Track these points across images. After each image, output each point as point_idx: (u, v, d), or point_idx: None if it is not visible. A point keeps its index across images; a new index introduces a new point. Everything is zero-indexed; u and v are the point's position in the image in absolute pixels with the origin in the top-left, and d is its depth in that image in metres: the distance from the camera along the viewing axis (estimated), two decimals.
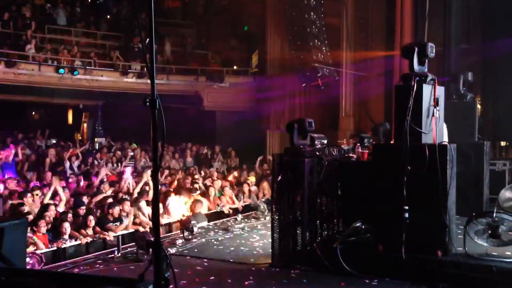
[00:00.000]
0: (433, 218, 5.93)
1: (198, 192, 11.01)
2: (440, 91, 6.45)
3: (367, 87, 15.71)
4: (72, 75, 16.77)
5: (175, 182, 12.05)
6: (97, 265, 7.08)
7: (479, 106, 10.97)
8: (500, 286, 5.44)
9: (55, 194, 9.22)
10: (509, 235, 5.94)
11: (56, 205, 8.61)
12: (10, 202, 8.78)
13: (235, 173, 13.99)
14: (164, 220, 9.45)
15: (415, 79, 6.15)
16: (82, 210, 8.71)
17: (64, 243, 7.58)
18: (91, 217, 8.32)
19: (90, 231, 8.19)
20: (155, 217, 2.92)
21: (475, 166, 8.84)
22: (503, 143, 13.80)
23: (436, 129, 6.20)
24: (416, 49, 6.37)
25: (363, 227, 6.51)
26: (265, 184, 12.43)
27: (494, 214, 5.98)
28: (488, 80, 13.77)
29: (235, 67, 20.26)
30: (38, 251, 7.04)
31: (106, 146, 16.82)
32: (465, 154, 8.42)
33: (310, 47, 15.80)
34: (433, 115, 6.23)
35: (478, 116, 9.92)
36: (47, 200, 8.87)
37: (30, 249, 6.96)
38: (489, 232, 5.92)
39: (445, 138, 7.15)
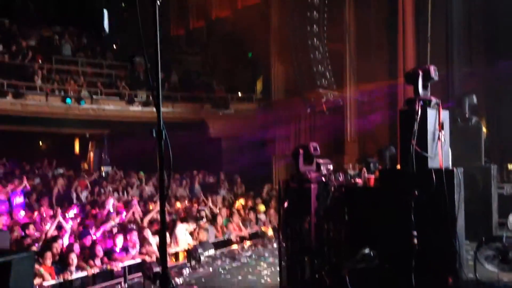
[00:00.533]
0: (442, 244, 5.85)
1: (205, 220, 10.97)
2: (445, 115, 6.44)
3: (372, 111, 15.76)
4: (78, 105, 16.95)
5: (182, 210, 12.02)
6: None
7: (484, 129, 10.95)
8: None
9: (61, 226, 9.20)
10: None
11: (59, 237, 8.58)
12: (15, 233, 8.77)
13: (242, 201, 13.92)
14: (170, 249, 9.40)
15: (419, 104, 6.16)
16: (88, 241, 8.67)
17: (71, 274, 7.53)
18: (98, 247, 8.29)
19: (97, 262, 8.15)
20: (162, 248, 2.91)
21: (483, 190, 8.76)
22: (510, 166, 13.72)
23: (442, 153, 6.18)
24: (420, 73, 6.39)
25: (372, 253, 6.43)
26: (272, 211, 12.37)
27: (504, 239, 5.90)
28: (492, 103, 13.77)
29: (240, 94, 20.40)
30: (45, 283, 7.00)
31: (112, 175, 16.86)
32: (472, 178, 8.36)
33: (314, 73, 15.92)
34: (438, 139, 6.22)
35: (484, 139, 9.88)
36: (51, 232, 8.82)
37: (37, 281, 6.93)
38: (500, 257, 5.84)
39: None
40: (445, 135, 6.31)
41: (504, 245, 5.83)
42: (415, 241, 5.85)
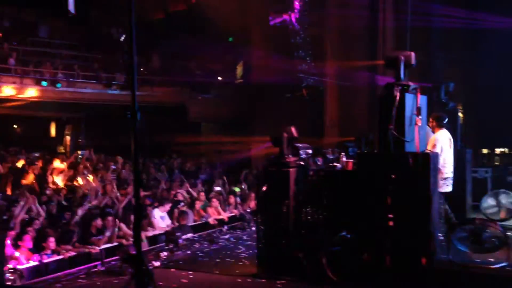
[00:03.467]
0: (417, 226, 5.96)
1: (183, 203, 10.95)
2: (422, 100, 6.51)
3: (351, 96, 15.85)
4: (54, 87, 16.65)
5: (160, 194, 11.97)
6: (80, 280, 6.96)
7: (460, 115, 11.10)
8: None
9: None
10: (492, 241, 6.00)
11: (36, 220, 8.46)
12: None
13: (219, 187, 13.85)
14: (149, 232, 9.37)
15: (397, 89, 6.20)
16: (65, 224, 8.58)
17: (47, 258, 7.46)
18: (74, 231, 8.21)
19: (74, 245, 8.08)
20: (136, 230, 2.89)
21: (458, 173, 8.89)
22: (485, 151, 14.03)
23: (419, 138, 6.26)
24: (399, 58, 6.43)
25: (349, 236, 6.51)
26: (252, 195, 12.41)
27: (477, 221, 6.04)
28: (469, 89, 13.98)
29: (220, 78, 20.27)
30: (19, 267, 6.91)
31: (89, 159, 16.64)
32: None
33: (294, 58, 15.91)
34: (415, 123, 6.29)
35: (460, 124, 10.03)
36: (21, 216, 8.61)
37: (12, 264, 6.84)
38: (472, 238, 5.97)
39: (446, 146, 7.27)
40: (422, 119, 6.38)
41: (477, 227, 5.96)
42: (391, 223, 5.94)
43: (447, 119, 7.68)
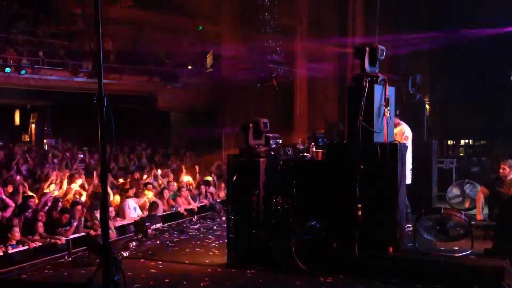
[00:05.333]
0: (384, 216, 6.06)
1: (152, 194, 10.86)
2: (391, 91, 6.59)
3: (321, 87, 15.97)
4: (18, 74, 16.17)
5: (130, 184, 11.83)
6: (46, 271, 6.83)
7: (427, 106, 11.32)
8: (448, 279, 5.62)
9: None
10: (456, 230, 6.16)
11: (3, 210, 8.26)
12: None
13: (190, 176, 13.79)
14: (118, 222, 9.27)
15: (366, 80, 6.26)
16: (30, 214, 8.39)
17: (11, 248, 7.28)
18: (40, 221, 8.04)
19: (39, 236, 7.92)
20: (103, 219, 2.83)
21: (424, 164, 9.08)
22: (450, 142, 14.38)
23: (387, 129, 6.34)
24: (367, 50, 6.47)
25: (318, 225, 6.57)
26: (222, 185, 12.40)
27: (442, 211, 6.18)
28: (436, 81, 14.26)
29: (189, 67, 20.09)
30: None
31: (56, 148, 16.32)
32: (414, 153, 8.63)
33: (265, 47, 15.90)
34: (384, 114, 6.36)
35: (427, 116, 10.22)
36: None
37: None
38: (438, 228, 6.11)
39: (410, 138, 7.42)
40: (390, 111, 6.46)
41: (442, 216, 6.10)
42: (359, 213, 6.02)
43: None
